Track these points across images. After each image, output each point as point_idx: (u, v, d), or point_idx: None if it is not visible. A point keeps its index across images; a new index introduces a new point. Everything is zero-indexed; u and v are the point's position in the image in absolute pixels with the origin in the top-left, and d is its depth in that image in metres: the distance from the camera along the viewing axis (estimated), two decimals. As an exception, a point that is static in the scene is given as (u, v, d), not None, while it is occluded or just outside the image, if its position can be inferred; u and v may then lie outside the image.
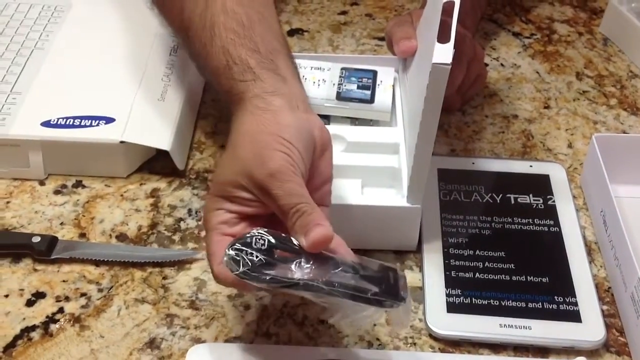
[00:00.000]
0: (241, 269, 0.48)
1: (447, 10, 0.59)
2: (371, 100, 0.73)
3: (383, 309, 0.50)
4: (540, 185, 0.72)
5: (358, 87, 0.74)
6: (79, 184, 0.72)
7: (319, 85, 0.74)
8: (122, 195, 0.71)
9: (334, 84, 0.74)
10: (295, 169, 0.51)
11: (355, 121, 0.74)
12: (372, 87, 0.74)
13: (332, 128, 0.69)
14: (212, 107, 0.81)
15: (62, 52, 0.79)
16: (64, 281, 0.63)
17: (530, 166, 0.74)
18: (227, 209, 0.53)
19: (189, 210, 0.70)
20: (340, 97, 0.73)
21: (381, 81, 0.74)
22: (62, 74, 0.77)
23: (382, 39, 0.90)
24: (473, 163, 0.74)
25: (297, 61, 0.65)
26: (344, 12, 0.96)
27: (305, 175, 0.53)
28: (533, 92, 0.85)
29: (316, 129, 0.55)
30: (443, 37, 0.58)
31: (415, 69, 0.69)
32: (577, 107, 0.83)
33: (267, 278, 0.48)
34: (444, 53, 0.55)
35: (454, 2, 0.59)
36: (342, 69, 0.75)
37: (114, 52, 0.79)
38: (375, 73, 0.75)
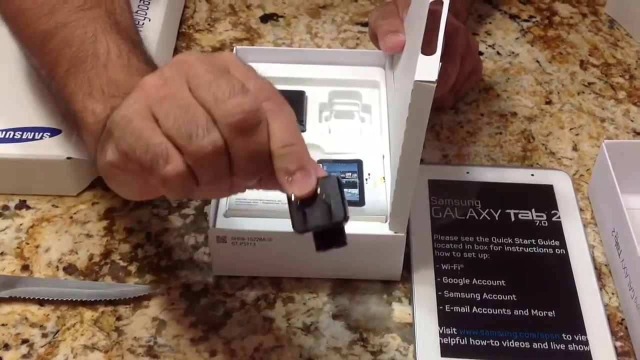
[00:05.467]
0: None
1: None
2: (360, 202, 0.58)
3: None
4: (544, 198, 0.64)
5: None
6: (22, 205, 0.63)
7: None
8: (71, 218, 0.62)
9: None
10: None
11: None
12: (360, 184, 0.59)
13: (307, 136, 0.59)
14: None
15: None
16: (3, 325, 0.55)
17: (532, 175, 0.66)
18: None
19: (148, 235, 0.61)
20: None
21: (369, 174, 0.59)
22: None
23: (365, 24, 0.81)
24: (468, 172, 0.66)
25: None
26: (323, -6, 0.86)
27: None
28: (533, 84, 0.77)
29: None
30: (431, 35, 0.49)
31: (403, 68, 0.61)
32: (581, 101, 0.75)
33: None
34: (428, 68, 0.46)
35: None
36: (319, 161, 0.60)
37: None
38: (360, 163, 0.60)
